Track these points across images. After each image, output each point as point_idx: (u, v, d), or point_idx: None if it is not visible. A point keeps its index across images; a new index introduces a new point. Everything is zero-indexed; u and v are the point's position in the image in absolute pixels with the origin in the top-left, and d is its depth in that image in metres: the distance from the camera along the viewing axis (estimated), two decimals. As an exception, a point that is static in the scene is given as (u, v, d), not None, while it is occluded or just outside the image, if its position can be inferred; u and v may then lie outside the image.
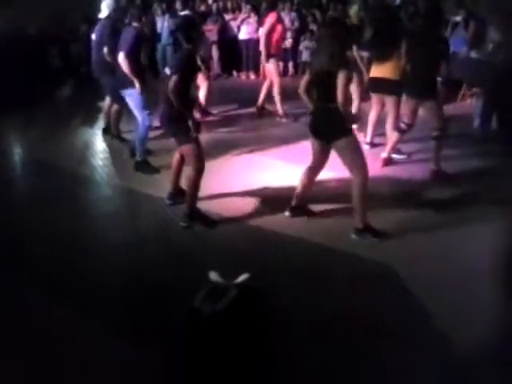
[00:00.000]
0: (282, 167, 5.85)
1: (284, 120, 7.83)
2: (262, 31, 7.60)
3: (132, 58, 5.54)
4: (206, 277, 1.47)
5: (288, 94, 7.58)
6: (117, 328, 3.19)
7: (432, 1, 6.03)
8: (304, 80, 4.34)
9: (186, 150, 4.47)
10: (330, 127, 4.13)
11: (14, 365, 2.88)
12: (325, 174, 4.71)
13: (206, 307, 1.31)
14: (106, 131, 7.11)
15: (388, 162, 5.85)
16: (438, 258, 3.90)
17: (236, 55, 11.61)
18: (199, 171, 4.41)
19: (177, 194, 4.94)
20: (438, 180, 5.39)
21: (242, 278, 1.46)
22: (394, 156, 5.98)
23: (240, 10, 11.78)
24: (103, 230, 4.65)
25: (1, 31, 9.75)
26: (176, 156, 4.85)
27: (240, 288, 1.38)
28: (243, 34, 11.22)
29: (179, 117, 4.33)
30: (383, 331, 3.13)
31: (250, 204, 4.93)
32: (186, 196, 4.56)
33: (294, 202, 4.62)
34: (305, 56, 11.15)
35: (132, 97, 5.72)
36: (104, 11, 6.48)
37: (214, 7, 11.87)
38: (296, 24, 11.56)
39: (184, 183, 4.74)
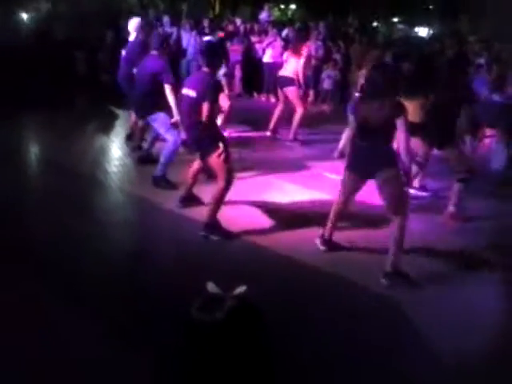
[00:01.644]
0: (292, 189, 5.87)
1: (290, 144, 7.91)
2: (302, 61, 7.79)
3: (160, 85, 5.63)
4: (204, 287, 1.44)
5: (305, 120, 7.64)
6: (121, 335, 3.15)
7: (459, 42, 6.08)
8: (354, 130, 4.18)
9: (215, 162, 4.48)
10: (376, 164, 3.97)
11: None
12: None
13: (201, 317, 1.28)
14: (129, 138, 7.21)
15: None
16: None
17: (258, 77, 11.72)
18: (228, 184, 4.49)
19: (189, 198, 5.11)
20: (454, 222, 5.26)
21: (239, 290, 1.43)
22: (412, 192, 5.89)
23: (266, 34, 11.93)
24: (113, 236, 4.63)
25: (29, 34, 9.96)
26: (195, 164, 4.95)
27: (236, 299, 1.35)
28: (268, 57, 11.33)
29: (208, 132, 4.43)
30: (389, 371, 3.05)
31: (259, 223, 4.92)
32: (209, 207, 4.58)
33: (326, 235, 4.45)
34: (326, 84, 11.22)
35: (158, 120, 5.79)
36: (132, 33, 6.70)
37: (242, 28, 12.04)
38: (320, 52, 11.66)
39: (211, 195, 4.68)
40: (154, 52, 5.85)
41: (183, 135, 4.95)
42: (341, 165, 6.79)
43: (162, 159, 5.71)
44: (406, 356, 3.20)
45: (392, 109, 3.86)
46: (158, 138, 6.23)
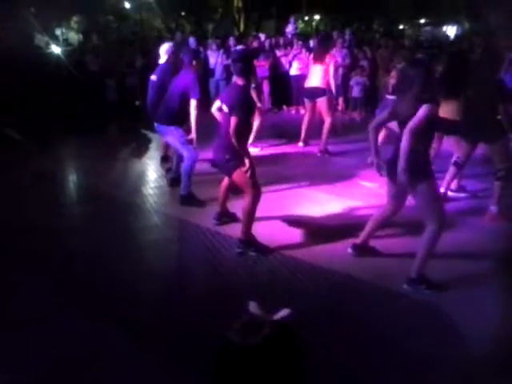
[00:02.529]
0: (327, 199, 5.85)
1: (321, 155, 7.88)
2: (331, 70, 7.75)
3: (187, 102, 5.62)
4: (245, 306, 1.43)
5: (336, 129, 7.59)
6: (159, 355, 3.19)
7: (488, 39, 5.96)
8: (380, 120, 4.11)
9: (240, 178, 4.47)
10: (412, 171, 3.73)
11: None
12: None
13: (237, 340, 1.27)
14: (164, 160, 7.32)
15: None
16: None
17: (286, 90, 11.75)
18: (256, 198, 4.46)
19: (223, 214, 5.15)
20: (496, 223, 5.12)
21: (282, 313, 1.39)
22: (450, 193, 5.79)
23: (292, 47, 11.97)
24: (150, 257, 4.71)
25: (63, 67, 10.29)
26: (225, 180, 4.99)
27: (276, 325, 1.32)
28: (294, 69, 11.35)
29: (230, 149, 4.39)
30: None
31: (295, 236, 4.91)
32: (242, 223, 4.58)
33: (359, 240, 4.44)
34: (355, 92, 11.16)
35: (172, 135, 5.83)
36: (163, 56, 6.71)
37: (267, 43, 12.12)
38: (347, 60, 11.63)
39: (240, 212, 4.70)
40: (185, 69, 5.84)
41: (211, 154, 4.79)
42: (375, 172, 6.78)
43: (182, 177, 5.81)
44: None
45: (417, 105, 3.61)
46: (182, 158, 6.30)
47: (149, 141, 8.87)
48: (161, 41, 12.94)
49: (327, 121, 7.91)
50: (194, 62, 5.77)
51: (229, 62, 10.95)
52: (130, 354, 3.21)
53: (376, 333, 3.42)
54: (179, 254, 4.87)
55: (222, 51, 11.38)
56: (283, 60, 11.74)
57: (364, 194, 6.01)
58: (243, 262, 4.45)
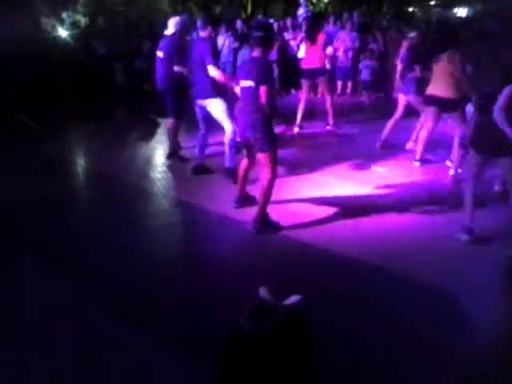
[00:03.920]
0: (334, 184, 5.81)
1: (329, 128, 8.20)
2: (330, 50, 8.11)
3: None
4: (256, 292, 1.40)
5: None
6: (169, 338, 3.20)
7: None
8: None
9: (264, 158, 4.54)
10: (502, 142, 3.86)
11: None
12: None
13: (248, 325, 1.24)
14: (171, 156, 7.08)
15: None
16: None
17: (295, 73, 11.62)
18: (273, 179, 4.55)
19: (244, 197, 5.17)
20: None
21: (293, 299, 1.36)
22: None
23: (300, 29, 11.82)
24: (161, 241, 4.71)
25: (70, 51, 10.25)
26: (244, 162, 5.00)
27: (286, 311, 1.29)
28: (302, 52, 11.20)
29: (262, 125, 4.45)
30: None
31: (310, 218, 4.89)
32: (258, 203, 4.65)
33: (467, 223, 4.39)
34: (364, 75, 11.04)
35: (215, 105, 5.82)
36: (170, 28, 6.63)
37: (275, 26, 11.97)
38: (356, 43, 11.48)
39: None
40: (201, 34, 5.84)
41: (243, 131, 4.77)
42: (385, 156, 6.72)
43: (228, 150, 5.89)
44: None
45: None
46: (205, 144, 6.29)
47: (157, 124, 8.84)
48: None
49: (329, 99, 8.04)
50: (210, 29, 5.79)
51: (236, 44, 10.89)
52: (140, 339, 3.21)
53: (388, 318, 3.42)
54: (189, 238, 4.85)
55: (229, 34, 11.25)
56: (292, 43, 11.60)
57: (374, 179, 5.97)
58: (254, 245, 4.46)
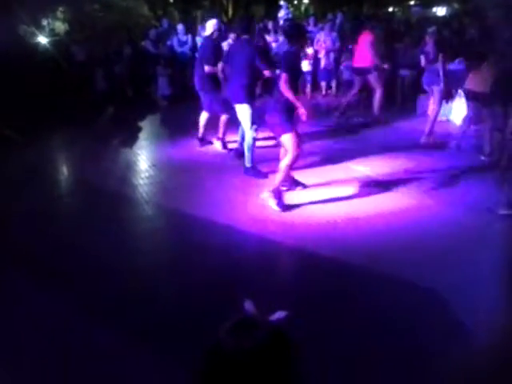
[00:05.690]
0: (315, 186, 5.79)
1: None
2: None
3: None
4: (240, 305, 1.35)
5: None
6: (154, 349, 3.15)
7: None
8: None
9: (287, 139, 5.04)
10: None
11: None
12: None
13: (228, 340, 1.19)
14: (202, 140, 7.52)
15: None
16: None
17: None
18: (296, 157, 5.08)
19: (294, 181, 5.65)
20: None
21: (278, 315, 1.32)
22: None
23: (282, 31, 11.81)
24: (146, 249, 4.65)
25: (49, 58, 10.15)
26: (283, 149, 5.36)
27: (270, 327, 1.24)
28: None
29: (283, 109, 4.99)
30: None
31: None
32: (276, 177, 5.17)
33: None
34: (346, 75, 11.06)
35: (242, 110, 6.06)
36: (208, 30, 6.98)
37: (256, 29, 11.95)
38: (337, 44, 11.51)
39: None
40: (245, 36, 6.10)
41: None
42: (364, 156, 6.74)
43: (246, 152, 6.13)
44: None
45: None
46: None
47: (138, 130, 8.78)
48: (147, 29, 12.83)
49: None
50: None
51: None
52: (123, 348, 3.17)
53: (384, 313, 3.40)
54: (173, 245, 4.80)
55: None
56: (273, 46, 11.59)
57: (354, 178, 5.98)
58: (238, 251, 4.40)
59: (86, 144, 7.91)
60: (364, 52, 8.58)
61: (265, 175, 6.05)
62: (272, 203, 5.09)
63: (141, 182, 6.24)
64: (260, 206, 5.17)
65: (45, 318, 3.46)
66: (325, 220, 4.91)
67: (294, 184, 5.64)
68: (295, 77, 5.08)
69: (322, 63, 11.27)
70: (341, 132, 8.15)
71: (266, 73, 6.01)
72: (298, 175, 5.81)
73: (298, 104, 5.01)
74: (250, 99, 6.04)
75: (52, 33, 12.68)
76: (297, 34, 5.15)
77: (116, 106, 10.15)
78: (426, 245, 4.34)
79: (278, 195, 5.14)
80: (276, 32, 12.02)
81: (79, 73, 10.08)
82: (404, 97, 10.06)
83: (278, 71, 5.14)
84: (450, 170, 6.15)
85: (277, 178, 5.17)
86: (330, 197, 5.44)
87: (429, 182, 5.81)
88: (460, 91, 7.65)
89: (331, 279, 3.88)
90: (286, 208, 5.09)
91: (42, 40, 11.13)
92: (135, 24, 14.37)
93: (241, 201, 5.40)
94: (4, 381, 2.92)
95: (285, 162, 5.11)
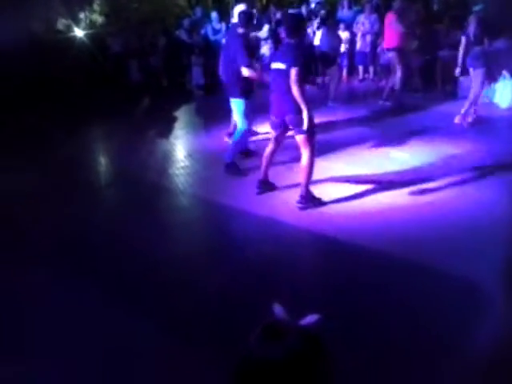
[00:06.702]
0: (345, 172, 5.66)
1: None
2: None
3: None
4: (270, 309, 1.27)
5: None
6: (187, 340, 3.14)
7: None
8: None
9: (303, 139, 4.71)
10: None
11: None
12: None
13: (259, 348, 1.12)
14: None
15: None
16: None
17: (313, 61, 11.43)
18: (314, 155, 4.77)
19: (266, 182, 5.24)
20: None
21: (310, 319, 1.22)
22: None
23: (315, 15, 11.59)
24: (180, 239, 4.65)
25: (86, 50, 10.28)
26: (270, 146, 5.09)
27: (301, 333, 1.15)
28: (317, 40, 11.00)
29: (298, 107, 4.60)
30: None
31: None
32: (301, 180, 4.85)
33: None
34: (384, 59, 10.77)
35: (237, 104, 5.89)
36: (235, 17, 6.44)
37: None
38: (376, 26, 11.16)
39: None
40: (241, 30, 5.86)
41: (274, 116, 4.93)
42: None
43: (231, 145, 5.93)
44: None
45: None
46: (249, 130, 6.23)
47: (174, 120, 8.80)
48: (181, 18, 12.80)
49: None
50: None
51: (253, 34, 10.77)
52: (154, 340, 3.17)
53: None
54: (208, 235, 4.79)
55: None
56: (308, 31, 11.39)
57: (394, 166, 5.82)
58: (274, 243, 4.32)
59: (122, 135, 7.99)
60: (390, 33, 8.53)
61: (244, 173, 5.80)
62: (310, 207, 4.84)
63: (176, 172, 6.24)
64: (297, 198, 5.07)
65: (81, 309, 3.49)
66: (361, 210, 4.78)
67: (265, 184, 5.26)
68: (304, 73, 4.69)
69: (358, 46, 11.01)
70: (378, 117, 7.95)
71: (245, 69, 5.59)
72: (335, 163, 5.70)
73: (303, 106, 4.59)
74: (244, 94, 5.78)
75: (89, 25, 12.85)
76: (295, 26, 4.81)
77: (151, 96, 10.20)
78: (467, 237, 4.16)
79: (309, 199, 4.88)
80: (310, 18, 11.76)
81: (114, 64, 10.17)
82: (444, 80, 9.71)
83: (283, 66, 4.62)
84: (494, 157, 5.90)
85: (303, 183, 4.85)
86: (367, 186, 5.29)
87: (470, 169, 5.59)
88: (505, 72, 7.36)
89: (367, 271, 3.78)
90: (322, 203, 4.90)
91: (79, 33, 11.29)
92: (169, 14, 14.38)
93: (277, 192, 5.29)
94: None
95: (305, 166, 4.78)
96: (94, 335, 3.24)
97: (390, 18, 8.53)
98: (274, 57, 5.02)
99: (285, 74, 4.61)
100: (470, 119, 7.10)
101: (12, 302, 3.61)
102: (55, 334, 3.26)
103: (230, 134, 6.79)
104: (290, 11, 8.75)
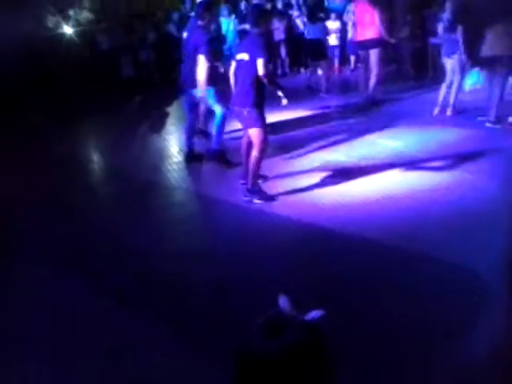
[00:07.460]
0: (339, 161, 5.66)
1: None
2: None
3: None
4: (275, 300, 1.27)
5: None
6: (182, 334, 3.15)
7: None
8: None
9: (254, 133, 4.74)
10: None
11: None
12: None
13: (259, 338, 1.11)
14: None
15: None
16: None
17: (303, 52, 11.41)
18: (263, 152, 4.79)
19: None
20: None
21: (314, 314, 1.22)
22: None
23: (306, 6, 11.56)
24: (175, 235, 4.64)
25: (75, 47, 10.23)
26: (244, 139, 5.07)
27: (304, 327, 1.15)
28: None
29: (254, 102, 4.64)
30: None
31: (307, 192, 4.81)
32: (249, 173, 4.86)
33: None
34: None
35: (208, 93, 5.76)
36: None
37: (280, 4, 11.74)
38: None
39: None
40: (200, 22, 5.69)
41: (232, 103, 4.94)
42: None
43: (214, 132, 5.92)
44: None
45: None
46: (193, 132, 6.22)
47: (166, 115, 8.78)
48: (171, 13, 12.72)
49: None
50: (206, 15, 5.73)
51: (241, 27, 10.70)
52: (150, 334, 3.17)
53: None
54: (202, 231, 4.78)
55: (233, 17, 11.07)
56: (297, 21, 11.37)
57: (387, 154, 5.83)
58: (271, 237, 4.30)
59: (115, 131, 7.98)
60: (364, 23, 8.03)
61: (228, 163, 5.85)
62: (256, 200, 4.87)
63: (169, 167, 6.23)
64: (293, 190, 5.08)
65: (78, 306, 3.49)
66: (358, 200, 4.76)
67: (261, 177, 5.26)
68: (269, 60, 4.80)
69: (349, 35, 10.96)
70: (369, 107, 7.94)
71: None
72: (327, 154, 5.69)
73: (279, 89, 4.83)
74: (210, 82, 5.65)
75: (78, 22, 12.76)
76: (258, 17, 4.84)
77: (143, 92, 10.15)
78: (467, 222, 4.12)
79: (257, 192, 4.90)
80: (300, 8, 11.72)
81: (106, 60, 10.11)
82: (435, 66, 9.69)
83: (246, 56, 4.64)
84: (485, 143, 5.91)
85: (250, 177, 4.86)
86: (361, 175, 5.29)
87: (464, 155, 5.59)
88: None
89: (368, 261, 3.77)
90: (271, 198, 4.90)
91: (68, 30, 11.22)
92: (159, 8, 14.29)
93: (272, 185, 5.27)
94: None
95: (254, 160, 4.80)
96: (90, 331, 3.24)
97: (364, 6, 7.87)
98: (238, 47, 5.02)
99: (248, 64, 4.64)
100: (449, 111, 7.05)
101: (10, 301, 3.62)
102: (50, 331, 3.27)
103: (202, 132, 6.80)
104: (254, 2, 8.85)
